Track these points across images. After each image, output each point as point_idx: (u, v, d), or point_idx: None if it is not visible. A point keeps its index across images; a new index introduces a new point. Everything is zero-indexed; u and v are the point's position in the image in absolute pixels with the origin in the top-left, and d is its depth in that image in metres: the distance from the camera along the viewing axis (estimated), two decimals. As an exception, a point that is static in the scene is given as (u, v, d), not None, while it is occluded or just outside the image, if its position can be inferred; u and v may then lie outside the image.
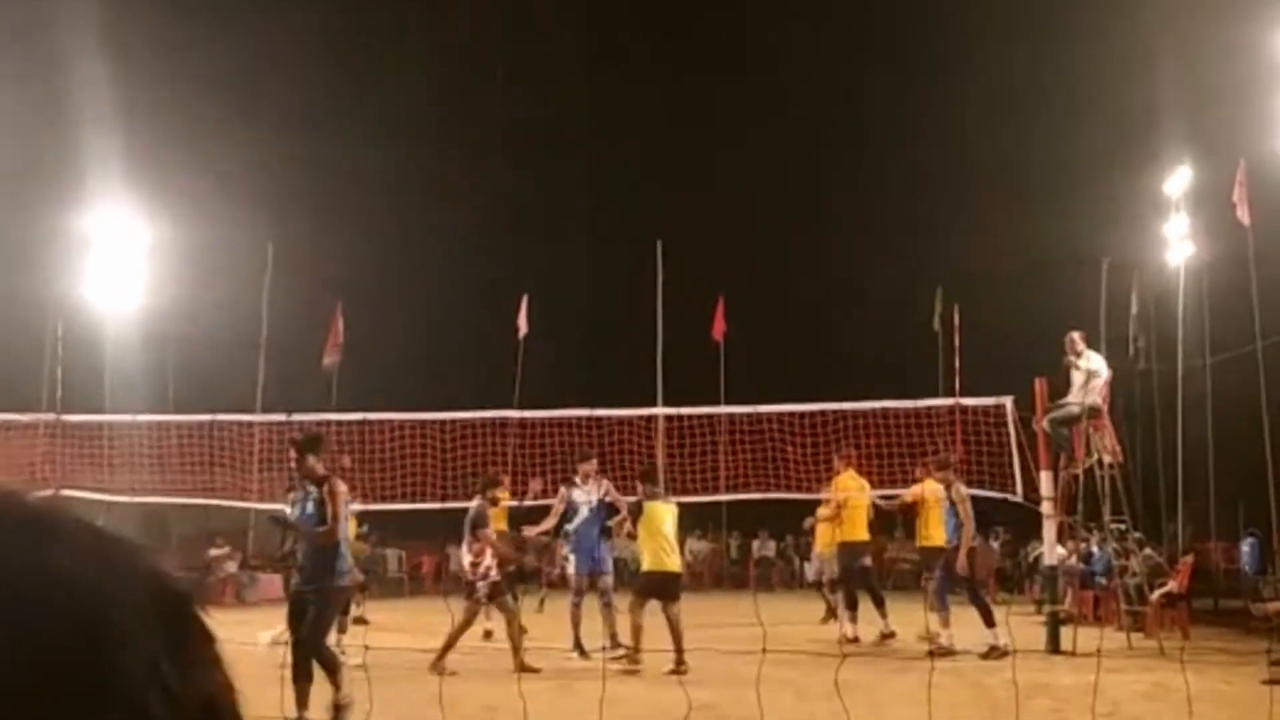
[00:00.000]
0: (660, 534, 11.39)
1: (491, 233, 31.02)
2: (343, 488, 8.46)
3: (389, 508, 15.72)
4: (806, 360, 27.95)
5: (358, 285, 25.51)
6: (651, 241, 26.73)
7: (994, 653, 11.65)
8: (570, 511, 12.65)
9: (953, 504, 12.53)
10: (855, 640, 13.21)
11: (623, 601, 11.60)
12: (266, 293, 24.06)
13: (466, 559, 11.33)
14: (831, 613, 15.46)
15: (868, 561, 13.80)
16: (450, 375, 23.89)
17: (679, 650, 10.70)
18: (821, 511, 15.57)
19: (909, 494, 13.91)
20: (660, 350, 26.04)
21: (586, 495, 12.50)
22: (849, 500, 13.89)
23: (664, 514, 11.57)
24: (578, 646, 11.86)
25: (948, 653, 11.81)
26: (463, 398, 17.26)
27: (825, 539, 15.58)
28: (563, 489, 12.56)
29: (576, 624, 11.90)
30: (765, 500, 16.16)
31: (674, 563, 11.47)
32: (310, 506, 8.33)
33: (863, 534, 13.90)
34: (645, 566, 11.46)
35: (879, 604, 13.74)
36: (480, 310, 26.90)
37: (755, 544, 27.83)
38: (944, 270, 26.84)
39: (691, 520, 26.55)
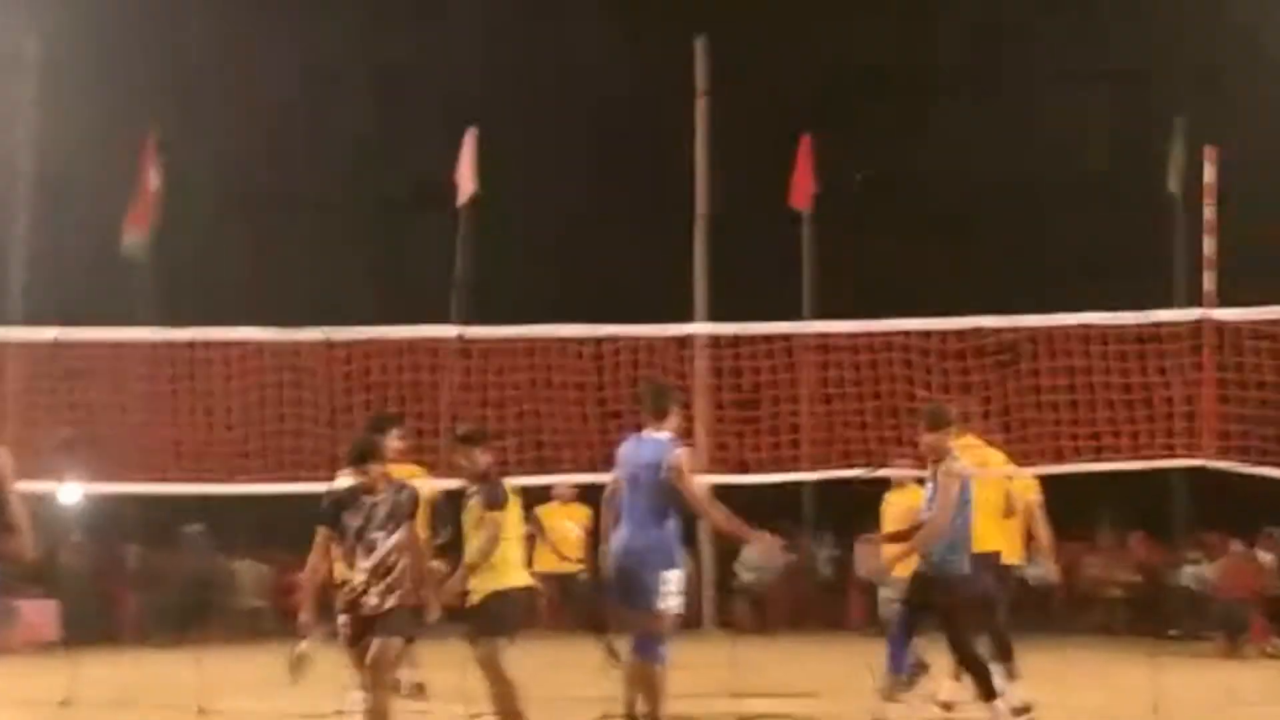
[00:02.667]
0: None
1: (410, 24, 31.02)
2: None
3: (237, 490, 15.57)
4: (945, 245, 27.77)
5: (184, 103, 25.32)
6: (688, 40, 26.55)
7: None
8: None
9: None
10: (948, 708, 13.84)
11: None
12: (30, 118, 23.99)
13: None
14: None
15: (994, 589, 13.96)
16: (343, 267, 23.82)
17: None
18: (898, 499, 15.79)
19: None
20: (703, 226, 25.80)
21: None
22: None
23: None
24: None
25: None
26: (363, 304, 17.12)
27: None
28: None
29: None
30: (877, 482, 16.07)
31: (524, 576, 12.17)
32: None
33: (994, 540, 14.05)
34: (489, 585, 11.67)
35: (1004, 655, 13.88)
36: (394, 154, 27.14)
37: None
38: (1188, 94, 26.60)
39: (753, 514, 26.44)
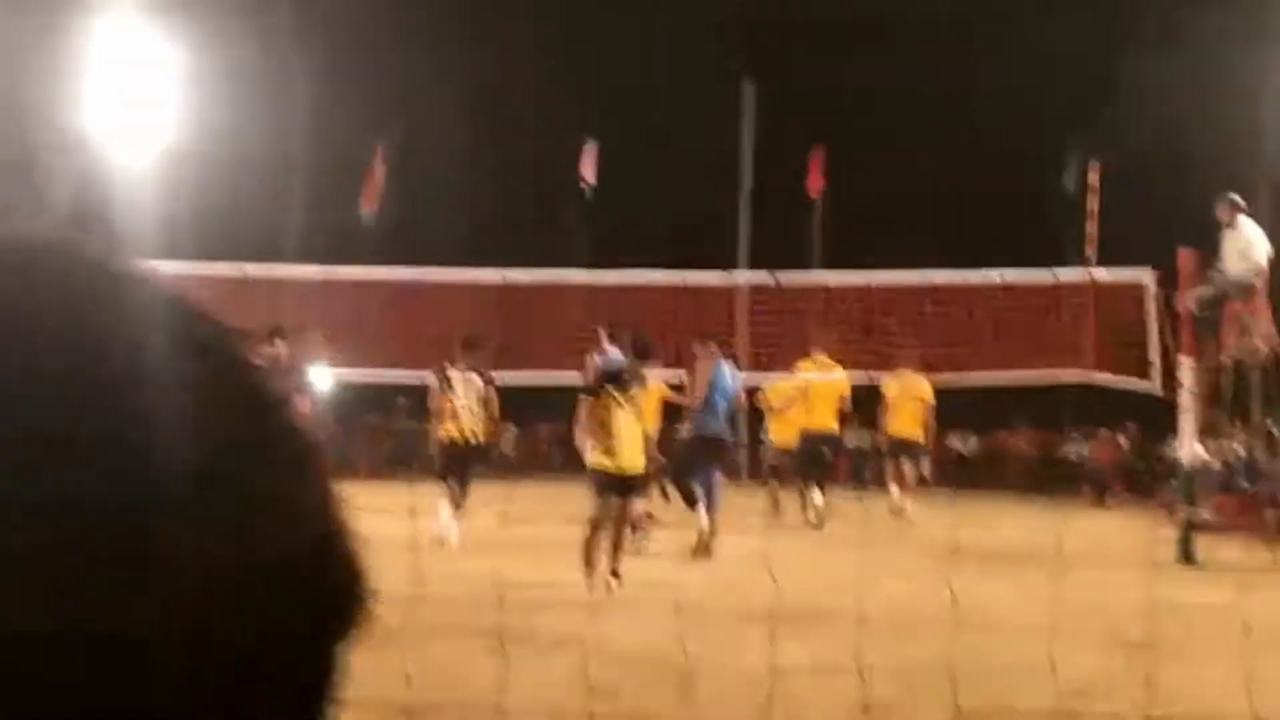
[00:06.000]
0: None
1: (553, 72, 30.71)
2: None
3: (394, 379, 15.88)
4: (915, 222, 27.64)
5: (406, 115, 25.71)
6: (739, 83, 26.74)
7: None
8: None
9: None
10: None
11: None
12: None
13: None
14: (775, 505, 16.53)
15: (827, 454, 15.44)
16: (508, 233, 23.89)
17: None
18: (771, 398, 16.64)
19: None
20: (746, 200, 26.19)
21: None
22: (811, 386, 15.21)
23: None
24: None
25: None
26: (518, 258, 17.42)
27: (780, 426, 16.67)
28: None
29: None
30: (862, 386, 16.12)
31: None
32: None
33: (825, 421, 15.16)
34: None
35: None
36: (540, 160, 27.10)
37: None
38: (1082, 119, 26.34)
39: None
